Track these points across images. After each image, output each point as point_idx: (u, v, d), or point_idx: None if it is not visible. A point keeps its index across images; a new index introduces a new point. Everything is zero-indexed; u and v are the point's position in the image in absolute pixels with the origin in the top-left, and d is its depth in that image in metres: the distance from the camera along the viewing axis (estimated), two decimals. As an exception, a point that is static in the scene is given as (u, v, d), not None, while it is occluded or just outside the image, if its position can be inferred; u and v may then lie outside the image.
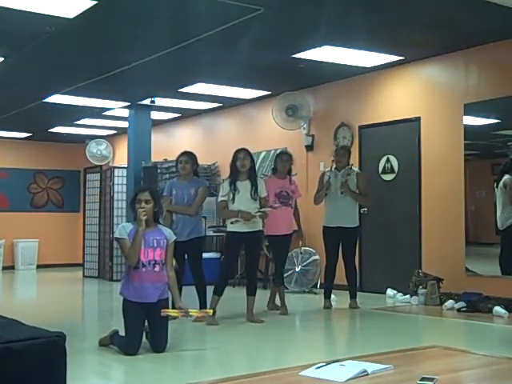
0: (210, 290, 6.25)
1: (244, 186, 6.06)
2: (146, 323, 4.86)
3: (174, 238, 5.05)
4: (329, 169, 7.23)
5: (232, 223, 6.05)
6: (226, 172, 6.30)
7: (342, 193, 6.96)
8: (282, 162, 6.84)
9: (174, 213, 6.44)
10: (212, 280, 6.33)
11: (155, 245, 4.83)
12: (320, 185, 7.19)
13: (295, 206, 6.98)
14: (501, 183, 7.10)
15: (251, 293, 6.17)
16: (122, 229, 4.91)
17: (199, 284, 6.36)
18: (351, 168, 7.13)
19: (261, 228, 6.19)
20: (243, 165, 6.06)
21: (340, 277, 7.22)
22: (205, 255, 6.71)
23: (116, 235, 4.95)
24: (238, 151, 6.15)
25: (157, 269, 4.82)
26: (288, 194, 6.78)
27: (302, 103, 9.07)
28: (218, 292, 6.13)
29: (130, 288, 4.82)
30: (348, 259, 7.09)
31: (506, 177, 7.10)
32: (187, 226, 6.34)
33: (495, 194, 7.23)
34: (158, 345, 4.78)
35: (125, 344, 4.75)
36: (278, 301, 6.90)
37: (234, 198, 6.03)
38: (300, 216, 7.16)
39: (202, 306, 6.30)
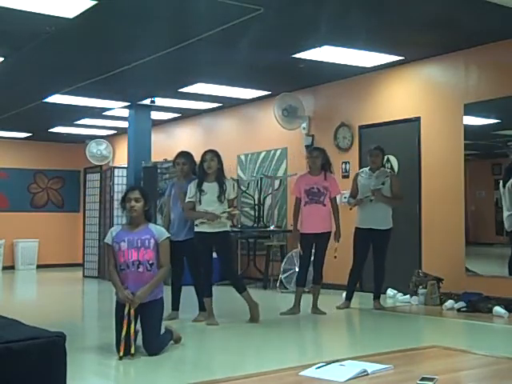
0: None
1: (211, 187, 6.06)
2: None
3: (166, 235, 4.91)
4: (362, 170, 7.20)
5: (197, 225, 6.09)
6: (225, 172, 6.31)
7: (371, 201, 6.83)
8: (312, 158, 6.72)
9: (172, 212, 6.47)
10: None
11: (139, 245, 4.75)
12: (354, 186, 7.10)
13: (334, 204, 6.71)
14: (509, 183, 6.97)
15: (240, 291, 6.16)
16: (109, 233, 4.91)
17: (198, 284, 6.35)
18: (387, 170, 7.06)
19: (227, 229, 6.14)
20: (209, 166, 6.06)
21: (341, 277, 7.22)
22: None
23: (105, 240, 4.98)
24: (205, 152, 6.15)
25: (141, 269, 4.73)
26: (320, 190, 6.60)
27: (296, 104, 9.06)
28: (207, 293, 6.15)
29: None
30: (377, 260, 6.97)
31: None
32: (184, 226, 6.35)
33: (495, 194, 7.21)
34: (148, 348, 4.67)
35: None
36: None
37: (200, 200, 6.05)
38: (339, 213, 6.76)
39: (201, 306, 6.31)
